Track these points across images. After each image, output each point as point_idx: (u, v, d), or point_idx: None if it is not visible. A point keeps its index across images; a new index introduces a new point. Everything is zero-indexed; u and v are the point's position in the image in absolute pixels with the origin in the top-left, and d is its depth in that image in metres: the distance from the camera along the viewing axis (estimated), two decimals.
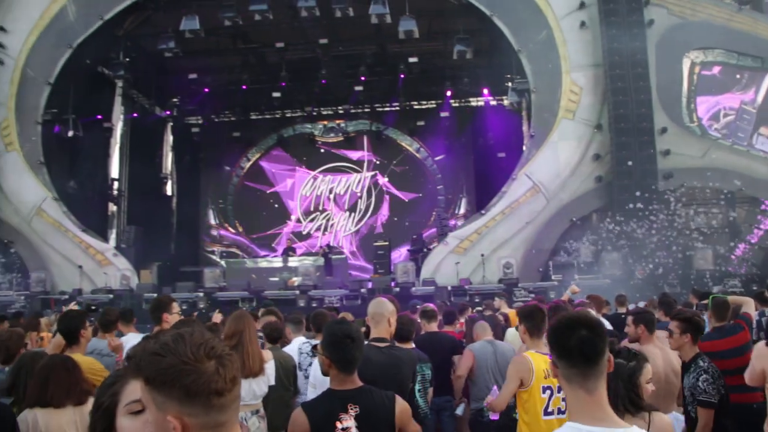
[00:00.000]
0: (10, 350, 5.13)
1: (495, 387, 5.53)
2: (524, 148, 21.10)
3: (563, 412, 4.62)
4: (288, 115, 28.92)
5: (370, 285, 19.90)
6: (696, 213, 18.25)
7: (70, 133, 21.20)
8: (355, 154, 29.05)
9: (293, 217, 29.05)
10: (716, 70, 19.05)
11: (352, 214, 28.72)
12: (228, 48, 23.79)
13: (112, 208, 24.16)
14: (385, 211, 28.45)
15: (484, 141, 26.50)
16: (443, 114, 26.42)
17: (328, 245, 24.36)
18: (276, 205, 29.25)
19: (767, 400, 5.09)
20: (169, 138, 28.69)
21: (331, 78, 24.55)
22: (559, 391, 4.63)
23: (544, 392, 4.67)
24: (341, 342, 3.47)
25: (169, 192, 28.40)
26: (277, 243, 28.44)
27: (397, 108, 27.86)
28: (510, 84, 21.53)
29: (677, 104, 18.73)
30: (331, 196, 28.95)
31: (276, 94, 25.31)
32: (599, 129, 18.82)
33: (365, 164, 28.94)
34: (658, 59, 18.58)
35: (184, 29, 19.93)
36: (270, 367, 5.42)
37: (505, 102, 23.67)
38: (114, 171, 24.34)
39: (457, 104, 27.03)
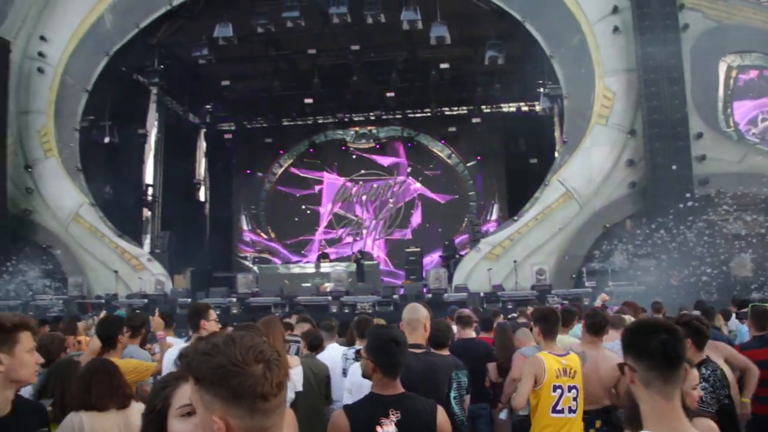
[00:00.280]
0: (51, 354, 5.15)
1: None
2: (557, 153, 21.01)
3: (573, 411, 4.97)
4: (320, 121, 29.05)
5: (402, 291, 19.85)
6: (733, 219, 17.92)
7: (107, 140, 21.58)
8: (386, 160, 29.08)
9: (325, 223, 29.13)
10: (753, 74, 18.75)
11: (384, 221, 28.74)
12: (260, 55, 23.88)
13: (147, 213, 24.41)
14: (416, 217, 28.44)
15: (516, 147, 26.47)
16: (475, 120, 26.49)
17: (360, 251, 24.38)
18: (308, 211, 29.36)
19: None
20: (203, 144, 28.95)
21: (362, 84, 24.56)
22: (569, 391, 4.94)
23: (554, 390, 4.92)
24: (386, 346, 3.47)
25: (202, 198, 28.68)
26: (309, 249, 28.55)
27: (429, 114, 27.92)
28: (542, 90, 21.60)
29: (713, 109, 18.45)
30: (363, 202, 29.04)
31: (308, 101, 25.52)
32: (633, 134, 18.62)
33: (397, 170, 28.97)
34: (693, 63, 18.32)
35: (218, 36, 20.12)
36: (296, 374, 5.39)
37: (537, 108, 23.56)
38: (148, 177, 24.58)
39: (489, 110, 27.05)
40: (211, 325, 5.45)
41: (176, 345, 6.34)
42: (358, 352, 3.90)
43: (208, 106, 28.16)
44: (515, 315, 11.90)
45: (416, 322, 4.49)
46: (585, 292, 17.47)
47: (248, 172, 29.78)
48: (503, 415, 6.96)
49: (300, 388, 5.48)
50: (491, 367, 7.20)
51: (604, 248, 18.35)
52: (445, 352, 5.41)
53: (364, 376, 3.62)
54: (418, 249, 23.40)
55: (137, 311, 10.10)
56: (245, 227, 29.78)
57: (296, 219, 29.23)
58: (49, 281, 19.99)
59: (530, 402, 5.07)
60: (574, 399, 5.02)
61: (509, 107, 26.96)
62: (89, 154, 21.39)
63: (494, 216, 27.41)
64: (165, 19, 21.19)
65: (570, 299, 16.58)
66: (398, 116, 28.48)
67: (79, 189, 20.75)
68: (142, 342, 6.67)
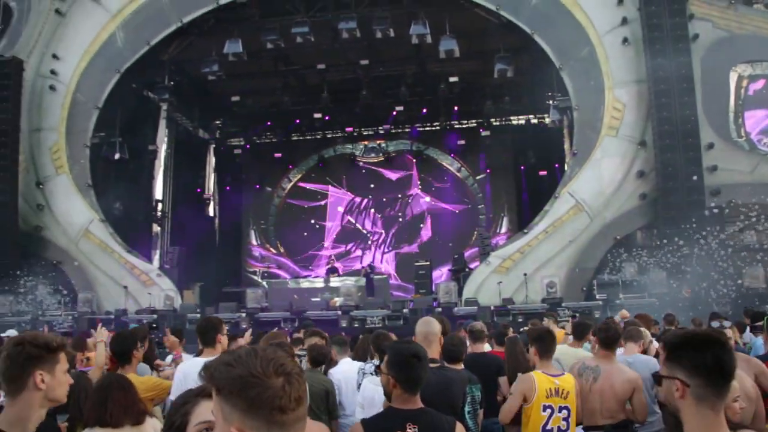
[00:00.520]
0: None
1: None
2: (566, 166, 20.95)
3: (564, 431, 5.01)
4: (329, 135, 29.14)
5: (411, 305, 19.71)
6: (746, 230, 17.76)
7: (117, 156, 21.69)
8: (395, 174, 29.08)
9: (334, 238, 29.12)
10: (763, 83, 18.65)
11: (393, 234, 28.70)
12: (270, 70, 23.95)
13: (156, 228, 24.50)
14: (426, 231, 28.36)
15: (525, 159, 26.44)
16: (484, 133, 26.48)
17: (370, 265, 24.30)
18: (317, 226, 29.36)
19: None
20: (212, 159, 29.07)
21: (371, 98, 24.59)
22: (560, 411, 4.98)
23: (544, 410, 4.97)
24: (407, 361, 3.44)
25: (211, 213, 28.75)
26: (317, 263, 28.46)
27: (438, 127, 27.94)
28: (551, 102, 21.47)
29: (724, 119, 18.28)
30: (372, 216, 29.01)
31: (317, 115, 25.58)
32: (643, 146, 18.50)
33: (406, 184, 28.93)
34: (704, 74, 18.16)
35: (228, 52, 20.23)
36: None
37: (547, 120, 23.51)
38: (158, 192, 24.72)
39: (498, 123, 27.05)
40: (225, 339, 5.44)
41: (186, 361, 6.32)
42: (378, 367, 3.85)
43: (217, 122, 28.30)
44: (526, 329, 11.86)
45: (432, 336, 4.54)
46: (596, 305, 17.39)
47: (257, 186, 29.76)
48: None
49: None
50: (503, 381, 7.11)
51: (615, 260, 18.23)
52: (459, 366, 5.38)
53: (385, 392, 3.59)
54: (428, 263, 23.18)
55: (154, 325, 10.01)
56: (254, 242, 29.79)
57: (305, 233, 29.23)
58: (59, 297, 19.98)
59: (522, 420, 5.12)
60: (565, 419, 5.02)
61: (518, 120, 26.96)
62: (100, 171, 21.51)
63: (504, 229, 27.32)
64: (175, 36, 21.27)
65: (581, 312, 16.47)
66: (407, 130, 28.47)
67: (90, 205, 20.76)
68: (147, 356, 6.65)
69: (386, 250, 28.65)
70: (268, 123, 28.26)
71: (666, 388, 2.26)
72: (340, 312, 18.95)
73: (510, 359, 7.27)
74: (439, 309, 18.07)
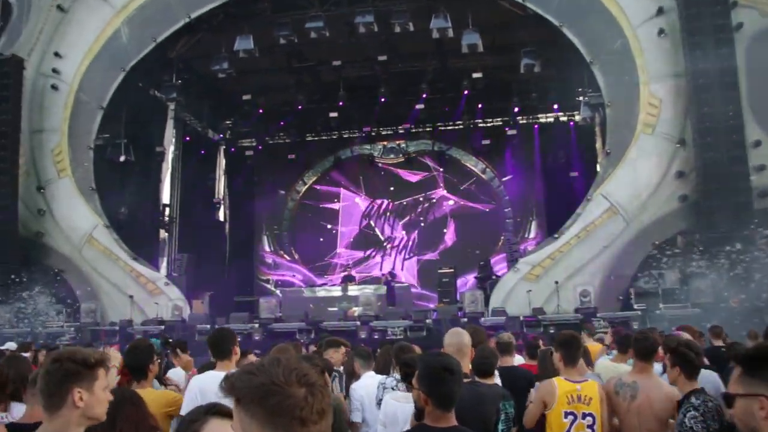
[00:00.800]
0: None
1: None
2: (599, 166, 20.83)
3: None
4: (345, 135, 29.22)
5: (435, 315, 19.73)
6: None
7: (122, 158, 21.75)
8: (416, 176, 29.05)
9: (351, 243, 29.15)
10: None
11: (414, 239, 28.65)
12: (282, 67, 23.97)
13: (164, 235, 24.57)
14: (449, 236, 28.29)
15: (554, 160, 26.26)
16: (510, 132, 26.43)
17: (390, 272, 24.28)
18: (333, 231, 29.38)
19: None
20: (222, 161, 29.20)
21: (390, 96, 24.59)
22: (583, 418, 5.05)
23: (566, 417, 5.07)
24: (440, 375, 3.41)
25: (221, 218, 28.87)
26: (334, 270, 28.53)
27: (461, 126, 27.82)
28: (582, 98, 21.34)
29: None
30: (392, 220, 29.02)
31: (333, 114, 25.58)
32: (682, 144, 18.20)
33: (427, 186, 28.89)
34: (749, 65, 17.68)
35: (238, 49, 20.24)
36: None
37: (577, 118, 23.40)
38: (165, 196, 24.79)
39: (524, 121, 26.94)
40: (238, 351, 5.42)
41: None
42: (409, 382, 3.84)
43: (228, 122, 28.44)
44: None
45: (465, 348, 4.59)
46: (634, 315, 17.17)
47: (270, 190, 29.93)
48: None
49: None
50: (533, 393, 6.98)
51: (654, 267, 17.98)
52: (492, 381, 5.32)
53: (416, 408, 3.57)
54: (452, 270, 23.03)
55: (169, 339, 9.97)
56: (267, 248, 29.85)
57: (321, 239, 29.31)
58: (61, 307, 20.05)
59: (545, 427, 5.21)
60: (590, 427, 5.04)
61: (547, 118, 26.84)
62: (104, 174, 21.51)
63: (533, 234, 27.16)
64: (183, 33, 21.32)
65: (617, 323, 16.32)
66: (428, 129, 28.45)
67: (94, 210, 20.84)
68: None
69: (407, 256, 28.61)
70: (281, 123, 28.26)
71: (743, 409, 2.08)
72: (358, 322, 18.92)
73: (543, 373, 7.13)
74: (465, 319, 17.92)
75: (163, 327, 18.93)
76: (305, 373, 1.71)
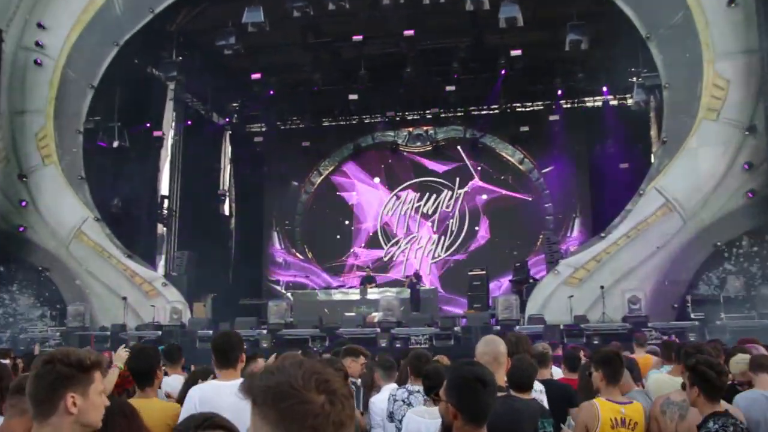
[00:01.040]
0: None
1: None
2: (653, 156, 20.95)
3: None
4: (366, 121, 29.12)
5: (464, 322, 19.78)
6: None
7: (115, 144, 21.72)
8: (445, 166, 28.95)
9: (372, 241, 29.20)
10: None
11: (442, 238, 28.62)
12: (297, 43, 23.81)
13: (162, 230, 24.59)
14: (481, 233, 28.24)
15: (602, 149, 26.07)
16: (552, 117, 26.21)
17: (415, 274, 24.16)
18: (352, 228, 29.45)
19: None
20: (228, 149, 29.33)
21: (417, 77, 24.41)
22: None
23: None
24: (471, 386, 3.37)
25: (227, 212, 28.99)
26: (352, 271, 28.63)
27: (497, 111, 27.68)
28: (636, 79, 21.25)
29: None
30: (417, 216, 28.99)
31: (353, 97, 25.41)
32: (752, 132, 18.01)
33: (458, 178, 28.78)
34: None
35: (247, 22, 20.14)
36: None
37: (630, 101, 23.42)
38: (164, 187, 24.78)
39: (569, 105, 26.79)
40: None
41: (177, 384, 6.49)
42: (436, 394, 3.88)
43: (234, 104, 28.36)
44: None
45: (502, 357, 4.56)
46: (691, 326, 17.10)
47: (282, 181, 29.99)
48: None
49: None
50: (574, 413, 6.84)
51: (715, 272, 17.95)
52: (529, 396, 5.24)
53: (443, 423, 3.58)
54: (484, 272, 22.96)
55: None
56: (278, 246, 29.88)
57: (338, 236, 29.39)
58: (46, 309, 20.16)
59: None
60: None
61: (595, 101, 26.66)
62: (95, 161, 21.57)
63: (576, 232, 27.12)
64: (184, 3, 21.32)
65: (672, 334, 16.28)
66: (460, 114, 28.34)
67: (83, 202, 20.89)
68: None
69: (434, 256, 28.55)
70: (295, 105, 28.19)
71: None
72: (378, 329, 18.98)
73: (584, 389, 6.94)
74: (498, 327, 17.93)
75: (160, 332, 19.01)
76: (327, 379, 1.75)
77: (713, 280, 17.84)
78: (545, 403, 5.44)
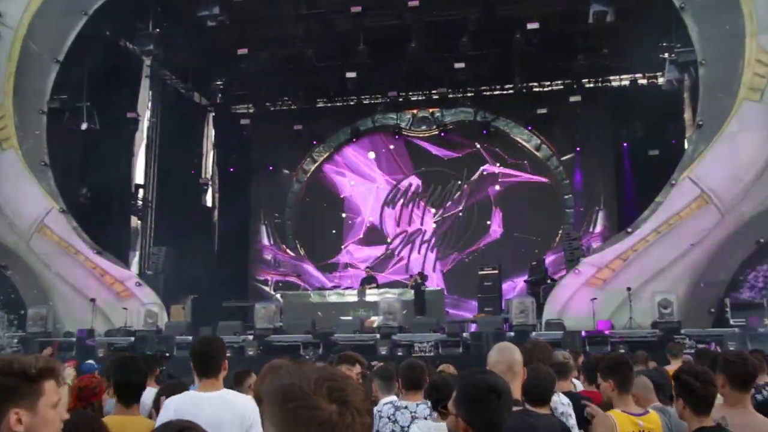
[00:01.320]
0: None
1: None
2: (687, 142, 20.83)
3: None
4: (366, 102, 29.24)
5: (473, 327, 20.15)
6: None
7: (84, 126, 21.58)
8: (454, 153, 28.95)
9: (372, 236, 29.24)
10: None
11: (450, 233, 28.66)
12: (288, 14, 23.70)
13: (136, 223, 24.61)
14: (494, 227, 28.25)
15: (630, 134, 26.18)
16: (574, 98, 26.00)
17: (420, 273, 24.15)
18: (349, 221, 29.48)
19: None
20: (211, 132, 29.35)
21: (422, 52, 24.36)
22: None
23: None
24: (484, 398, 3.36)
25: (209, 203, 29.02)
26: (348, 270, 28.61)
27: (511, 91, 27.69)
28: (668, 55, 21.16)
29: None
30: (422, 208, 29.04)
31: (350, 75, 25.21)
32: None
33: (467, 166, 28.76)
34: None
35: None
36: None
37: (661, 80, 23.33)
38: (139, 175, 24.80)
39: (592, 84, 26.82)
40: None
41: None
42: (444, 407, 3.81)
43: (218, 83, 28.12)
44: (639, 368, 11.42)
45: (517, 366, 4.54)
46: (730, 333, 17.11)
47: (271, 168, 30.02)
48: None
49: None
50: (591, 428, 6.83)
51: (757, 273, 17.91)
52: (547, 410, 5.21)
53: None
54: (496, 271, 23.35)
55: (167, 354, 9.94)
56: (266, 242, 29.97)
57: (334, 231, 29.51)
58: (2, 313, 20.10)
59: None
60: None
61: (621, 80, 26.69)
62: (60, 145, 21.57)
63: (599, 227, 27.14)
64: None
65: (707, 341, 16.43)
66: (470, 94, 28.23)
67: (47, 191, 20.90)
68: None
69: (441, 253, 28.55)
70: (286, 84, 28.01)
71: None
72: (378, 335, 19.10)
73: (608, 403, 6.88)
74: (511, 333, 18.09)
75: (132, 338, 18.97)
76: (342, 388, 1.81)
77: (756, 281, 17.86)
78: (571, 420, 5.42)
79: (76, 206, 21.33)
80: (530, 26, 22.53)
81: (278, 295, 25.52)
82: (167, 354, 11.99)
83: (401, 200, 29.29)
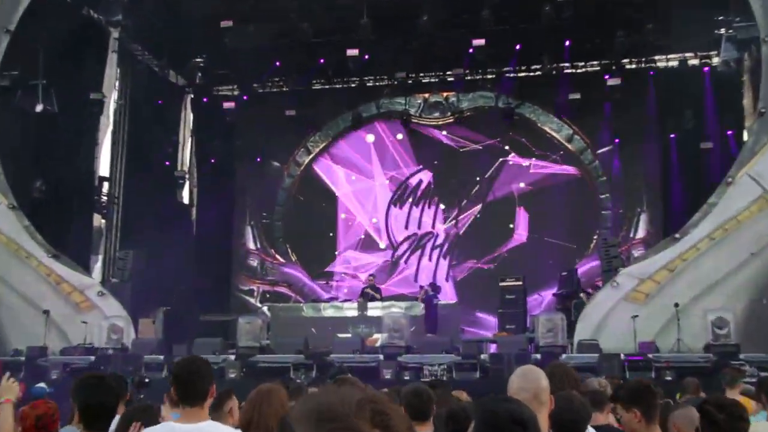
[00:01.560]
0: None
1: None
2: (746, 134, 21.18)
3: None
4: (369, 84, 29.22)
5: (493, 348, 20.14)
6: None
7: (39, 108, 21.50)
8: (471, 144, 28.79)
9: (375, 240, 29.20)
10: None
11: (466, 237, 28.49)
12: None
13: (100, 222, 24.64)
14: (518, 232, 28.17)
15: (677, 123, 25.94)
16: (612, 81, 25.93)
17: (431, 284, 24.20)
18: (349, 222, 29.44)
19: None
20: (189, 117, 29.42)
21: (435, 28, 24.36)
22: None
23: None
24: (507, 430, 3.36)
25: (186, 199, 29.06)
26: (348, 279, 28.59)
27: (539, 73, 27.63)
28: (724, 31, 21.33)
29: None
30: (433, 208, 28.93)
31: (352, 52, 25.35)
32: None
33: (487, 159, 28.62)
34: None
35: None
36: None
37: (715, 61, 23.63)
38: (104, 167, 24.72)
39: (634, 66, 26.76)
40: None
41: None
42: None
43: (198, 60, 28.21)
44: (684, 398, 11.14)
45: (544, 394, 4.50)
46: None
47: (258, 160, 30.04)
48: None
49: None
50: None
51: None
52: None
53: None
54: (519, 282, 23.13)
55: (146, 380, 9.79)
56: (252, 245, 29.93)
57: (330, 233, 29.42)
58: None
59: None
60: None
61: (668, 61, 26.48)
62: (11, 130, 21.54)
63: (642, 232, 27.04)
64: None
65: None
66: (490, 77, 28.17)
67: None
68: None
69: (455, 260, 28.44)
70: (277, 63, 28.04)
71: None
72: (381, 356, 19.00)
73: None
74: (537, 355, 18.00)
75: (93, 358, 18.81)
76: (386, 412, 1.87)
77: None
78: None
79: (29, 202, 21.36)
80: None
81: (265, 308, 25.89)
82: (147, 380, 11.71)
83: (409, 199, 29.17)
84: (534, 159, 28.28)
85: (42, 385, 12.30)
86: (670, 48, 25.69)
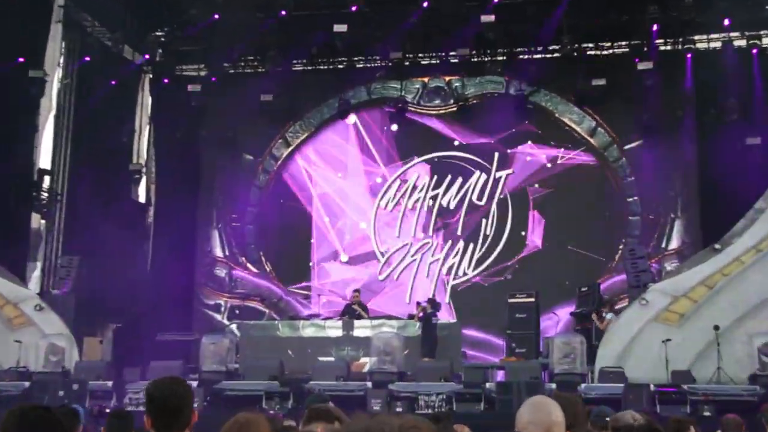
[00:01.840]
0: None
1: None
2: None
3: None
4: (359, 65, 29.31)
5: (500, 375, 20.14)
6: None
7: None
8: (477, 137, 28.68)
9: (363, 247, 29.11)
10: None
11: (470, 245, 28.40)
12: None
13: (39, 223, 24.58)
14: (531, 239, 28.09)
15: (719, 116, 25.84)
16: (643, 65, 25.81)
17: (430, 300, 23.89)
18: (334, 226, 29.35)
19: None
20: (147, 101, 29.31)
21: (438, 1, 24.71)
22: None
23: None
24: None
25: (142, 197, 28.97)
26: (330, 294, 28.44)
27: (556, 55, 27.61)
28: None
29: None
30: (433, 211, 28.88)
31: (339, 28, 25.41)
32: None
33: (495, 155, 28.51)
34: None
35: None
36: None
37: (766, 41, 23.63)
38: (45, 158, 24.71)
39: (669, 47, 26.77)
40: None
41: None
42: None
43: (159, 33, 28.25)
44: None
45: (556, 429, 4.52)
46: None
47: (229, 152, 29.87)
48: None
49: None
50: None
51: None
52: None
53: None
54: (532, 299, 22.99)
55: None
56: (219, 253, 29.88)
57: (311, 240, 29.31)
58: None
59: None
60: None
61: (709, 41, 26.54)
62: None
63: (675, 242, 27.02)
64: None
65: None
66: (500, 58, 28.00)
67: None
68: None
69: (459, 272, 28.32)
70: (251, 39, 27.84)
71: None
72: (370, 383, 19.14)
73: None
74: (552, 385, 18.13)
75: (27, 384, 18.71)
76: None
77: None
78: None
79: None
80: None
81: (234, 326, 25.78)
82: (107, 410, 11.71)
83: (404, 201, 29.01)
84: (550, 155, 28.10)
85: None
86: (712, 26, 25.65)
